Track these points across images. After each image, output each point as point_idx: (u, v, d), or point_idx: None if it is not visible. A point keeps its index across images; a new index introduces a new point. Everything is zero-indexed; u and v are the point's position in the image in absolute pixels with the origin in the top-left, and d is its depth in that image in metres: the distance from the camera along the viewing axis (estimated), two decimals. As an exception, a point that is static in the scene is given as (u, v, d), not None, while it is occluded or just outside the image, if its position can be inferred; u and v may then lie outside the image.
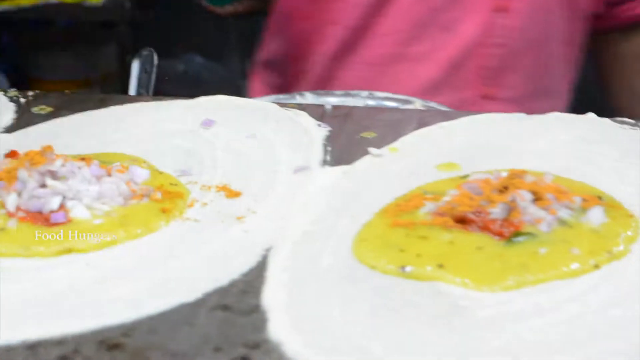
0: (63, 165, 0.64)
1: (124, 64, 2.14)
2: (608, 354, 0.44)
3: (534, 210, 0.55)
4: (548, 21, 1.34)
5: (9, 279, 0.56)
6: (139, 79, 1.09)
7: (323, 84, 1.33)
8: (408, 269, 0.53)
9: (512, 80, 1.32)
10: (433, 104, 1.01)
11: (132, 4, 2.31)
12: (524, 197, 0.56)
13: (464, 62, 1.32)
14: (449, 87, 1.32)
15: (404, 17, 1.31)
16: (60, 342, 0.47)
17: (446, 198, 0.60)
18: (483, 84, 1.33)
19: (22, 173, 0.61)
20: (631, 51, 1.36)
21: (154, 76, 1.14)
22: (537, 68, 1.35)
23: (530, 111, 0.95)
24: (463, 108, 1.12)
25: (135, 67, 1.10)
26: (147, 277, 0.56)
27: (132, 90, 1.09)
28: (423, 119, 0.83)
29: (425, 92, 1.26)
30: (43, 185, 0.61)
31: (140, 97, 1.08)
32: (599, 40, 1.38)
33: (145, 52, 1.12)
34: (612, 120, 0.80)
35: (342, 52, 1.35)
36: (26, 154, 0.68)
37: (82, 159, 0.67)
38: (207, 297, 0.52)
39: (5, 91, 0.93)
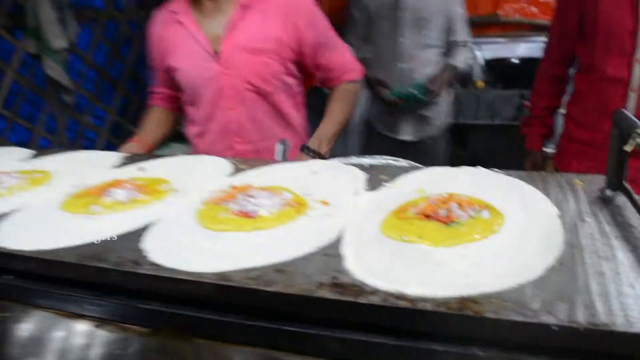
0: (256, 192, 0.88)
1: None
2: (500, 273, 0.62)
3: (458, 211, 0.75)
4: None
5: (232, 241, 0.77)
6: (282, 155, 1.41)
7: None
8: (405, 238, 0.72)
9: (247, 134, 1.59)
10: (412, 162, 1.33)
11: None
12: (453, 206, 0.77)
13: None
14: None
15: None
16: (248, 270, 0.68)
17: (421, 205, 0.79)
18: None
19: (240, 196, 0.86)
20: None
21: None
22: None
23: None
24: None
25: (279, 148, 1.42)
26: (289, 240, 0.75)
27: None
28: (407, 170, 1.01)
29: None
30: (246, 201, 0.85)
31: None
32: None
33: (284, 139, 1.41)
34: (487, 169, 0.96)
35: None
36: (240, 187, 0.92)
37: (265, 189, 0.90)
38: (317, 250, 0.72)
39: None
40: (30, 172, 1.13)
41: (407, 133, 2.55)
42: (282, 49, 1.52)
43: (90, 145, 3.04)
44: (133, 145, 1.62)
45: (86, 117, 2.95)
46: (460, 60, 2.46)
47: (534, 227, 0.73)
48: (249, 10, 1.52)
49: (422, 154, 2.48)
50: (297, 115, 1.66)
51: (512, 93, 3.27)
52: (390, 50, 2.42)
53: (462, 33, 2.45)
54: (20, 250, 0.79)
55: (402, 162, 1.36)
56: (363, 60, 2.34)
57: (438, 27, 2.40)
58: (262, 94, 1.55)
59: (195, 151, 1.65)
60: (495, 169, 0.94)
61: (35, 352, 0.76)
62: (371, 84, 2.47)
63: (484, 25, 3.58)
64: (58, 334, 0.77)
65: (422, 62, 2.42)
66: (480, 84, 3.41)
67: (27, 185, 1.07)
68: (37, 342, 0.77)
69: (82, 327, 0.75)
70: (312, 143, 1.54)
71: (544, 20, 3.41)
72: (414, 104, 2.45)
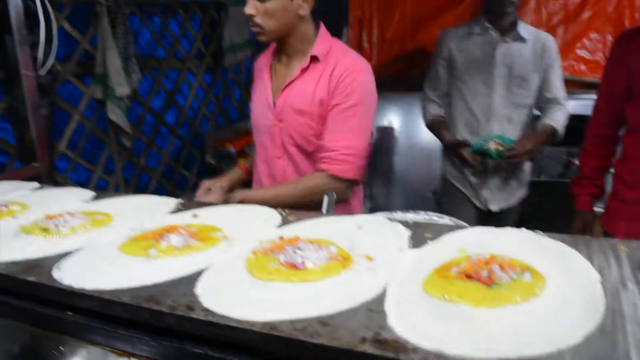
0: (303, 244, 0.91)
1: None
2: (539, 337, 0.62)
3: (499, 273, 0.76)
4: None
5: (279, 291, 0.80)
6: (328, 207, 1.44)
7: None
8: (446, 297, 0.73)
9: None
10: (455, 220, 1.33)
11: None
12: (495, 267, 0.77)
13: None
14: None
15: None
16: (294, 321, 0.70)
17: (462, 265, 0.80)
18: None
19: (288, 248, 0.89)
20: None
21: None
22: None
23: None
24: None
25: (326, 200, 1.43)
26: (334, 293, 0.78)
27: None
28: (452, 227, 1.03)
29: None
30: (294, 253, 0.88)
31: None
32: None
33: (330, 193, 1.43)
34: (531, 231, 0.95)
35: None
36: (288, 239, 0.95)
37: (312, 242, 0.93)
38: (361, 304, 0.74)
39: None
40: (93, 214, 1.20)
41: (494, 203, 2.32)
42: (325, 110, 1.56)
43: (143, 186, 3.16)
44: (237, 171, 1.84)
45: (142, 160, 3.07)
46: (560, 120, 2.19)
47: (575, 292, 0.73)
48: (308, 71, 1.59)
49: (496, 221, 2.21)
50: None
51: (560, 150, 3.23)
52: (478, 109, 2.21)
53: (559, 89, 2.23)
54: (81, 289, 0.85)
55: (446, 219, 1.37)
56: (439, 121, 2.31)
57: (534, 85, 2.20)
58: (304, 152, 1.62)
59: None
60: (539, 231, 0.94)
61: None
62: (451, 147, 2.26)
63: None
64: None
65: (513, 122, 2.21)
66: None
67: (90, 225, 1.13)
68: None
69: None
70: (238, 194, 1.55)
71: (593, 78, 3.39)
72: (490, 161, 2.21)
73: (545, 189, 3.15)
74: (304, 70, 1.59)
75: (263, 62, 1.72)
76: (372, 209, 4.53)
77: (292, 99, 1.58)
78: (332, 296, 0.77)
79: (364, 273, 0.85)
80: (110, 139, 2.84)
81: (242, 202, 1.47)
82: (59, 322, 0.87)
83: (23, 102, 2.09)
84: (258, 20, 1.52)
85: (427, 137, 4.47)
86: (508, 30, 2.16)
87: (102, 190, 1.59)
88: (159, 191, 3.25)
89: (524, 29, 2.18)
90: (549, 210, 2.93)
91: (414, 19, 4.60)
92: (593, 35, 3.54)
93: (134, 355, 0.80)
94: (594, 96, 1.98)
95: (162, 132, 3.29)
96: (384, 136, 4.63)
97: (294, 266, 0.85)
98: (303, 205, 1.51)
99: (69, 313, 0.87)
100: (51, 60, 2.23)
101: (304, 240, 0.93)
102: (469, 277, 0.77)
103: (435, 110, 2.33)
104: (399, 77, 4.75)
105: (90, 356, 0.85)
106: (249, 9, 1.51)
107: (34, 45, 2.15)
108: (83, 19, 2.64)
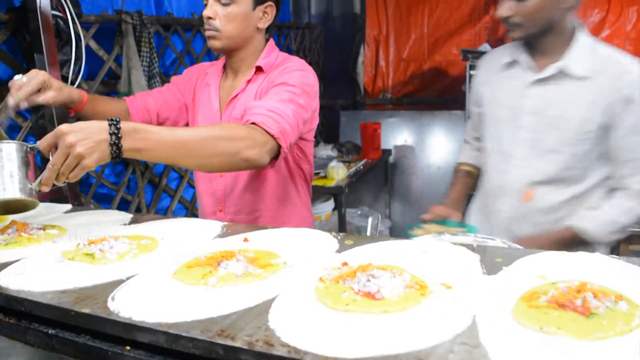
0: (377, 271, 0.85)
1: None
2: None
3: (594, 302, 0.72)
4: None
5: (361, 324, 0.74)
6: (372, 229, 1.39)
7: None
8: (544, 328, 0.69)
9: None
10: (507, 242, 1.24)
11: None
12: (589, 295, 0.73)
13: None
14: None
15: None
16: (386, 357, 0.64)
17: (551, 293, 0.76)
18: None
19: (360, 275, 0.84)
20: None
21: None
22: None
23: None
24: None
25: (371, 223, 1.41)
26: (422, 325, 0.73)
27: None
28: (525, 252, 1.00)
29: None
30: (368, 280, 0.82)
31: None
32: None
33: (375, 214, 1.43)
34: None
35: None
36: (360, 266, 0.89)
37: (383, 268, 0.87)
38: (454, 337, 0.69)
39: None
40: (138, 238, 1.15)
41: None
42: None
43: (164, 207, 3.12)
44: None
45: (164, 180, 3.03)
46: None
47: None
48: (252, 83, 1.57)
49: None
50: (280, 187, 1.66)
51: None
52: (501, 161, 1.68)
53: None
54: (142, 322, 0.79)
55: (497, 241, 1.31)
56: (457, 170, 1.89)
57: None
58: None
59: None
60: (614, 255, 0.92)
61: None
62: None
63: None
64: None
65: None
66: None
67: (137, 251, 1.08)
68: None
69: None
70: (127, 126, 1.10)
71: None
72: None
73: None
74: (249, 82, 1.57)
75: (212, 76, 1.67)
76: (392, 229, 4.47)
77: (238, 111, 1.53)
78: (421, 329, 0.72)
79: (447, 303, 0.80)
80: (133, 159, 2.79)
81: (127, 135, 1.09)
82: (116, 359, 0.81)
83: (51, 121, 2.06)
84: (217, 23, 1.48)
85: (444, 155, 4.47)
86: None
87: (124, 210, 1.57)
88: (178, 212, 3.20)
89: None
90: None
91: (430, 38, 4.62)
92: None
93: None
94: None
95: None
96: (402, 154, 4.61)
97: (370, 296, 0.79)
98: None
99: (127, 348, 0.81)
100: (79, 79, 2.20)
101: (377, 266, 0.88)
102: (561, 306, 0.73)
103: (465, 153, 1.94)
104: (415, 96, 4.78)
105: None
106: (208, 11, 1.47)
107: (62, 64, 2.13)
108: (108, 37, 2.60)
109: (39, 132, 2.21)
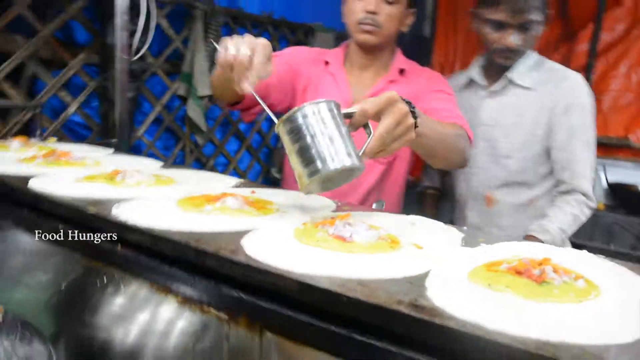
0: (355, 222, 0.89)
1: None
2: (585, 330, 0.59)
3: (551, 274, 0.72)
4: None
5: (323, 255, 0.79)
6: None
7: None
8: (491, 285, 0.71)
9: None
10: None
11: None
12: (548, 268, 0.74)
13: None
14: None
15: None
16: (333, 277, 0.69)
17: (514, 263, 0.76)
18: None
19: (339, 222, 0.87)
20: None
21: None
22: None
23: None
24: None
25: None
26: (377, 265, 0.76)
27: None
28: (511, 239, 1.07)
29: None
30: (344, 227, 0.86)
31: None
32: None
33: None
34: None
35: None
36: (341, 215, 0.92)
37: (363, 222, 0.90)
38: (402, 278, 0.72)
39: None
40: (159, 175, 1.24)
41: None
42: None
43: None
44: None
45: (211, 161, 3.16)
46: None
47: (632, 302, 0.70)
48: (393, 84, 1.58)
49: None
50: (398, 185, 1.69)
51: (634, 220, 3.07)
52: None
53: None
54: (134, 225, 0.87)
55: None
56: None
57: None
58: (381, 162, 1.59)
59: None
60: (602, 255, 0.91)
61: (125, 315, 0.85)
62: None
63: (612, 147, 3.46)
64: (148, 304, 0.82)
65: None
66: (601, 205, 3.24)
67: (153, 182, 1.17)
68: (127, 308, 0.86)
69: (170, 302, 0.82)
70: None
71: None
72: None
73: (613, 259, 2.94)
74: (390, 82, 1.59)
75: (335, 67, 1.63)
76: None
77: None
78: (375, 267, 0.76)
79: (411, 256, 0.83)
80: (184, 135, 2.94)
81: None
82: (109, 254, 0.92)
83: (113, 84, 2.22)
84: (380, 19, 1.49)
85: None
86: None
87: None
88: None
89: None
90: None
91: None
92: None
93: (171, 291, 0.82)
94: None
95: (232, 140, 3.37)
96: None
97: (342, 238, 0.84)
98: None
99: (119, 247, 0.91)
100: (144, 49, 2.35)
101: (357, 220, 0.91)
102: (518, 273, 0.74)
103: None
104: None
105: (131, 289, 0.86)
106: (373, 6, 1.47)
107: (132, 34, 2.31)
108: (179, 19, 2.77)
109: (102, 93, 2.38)
